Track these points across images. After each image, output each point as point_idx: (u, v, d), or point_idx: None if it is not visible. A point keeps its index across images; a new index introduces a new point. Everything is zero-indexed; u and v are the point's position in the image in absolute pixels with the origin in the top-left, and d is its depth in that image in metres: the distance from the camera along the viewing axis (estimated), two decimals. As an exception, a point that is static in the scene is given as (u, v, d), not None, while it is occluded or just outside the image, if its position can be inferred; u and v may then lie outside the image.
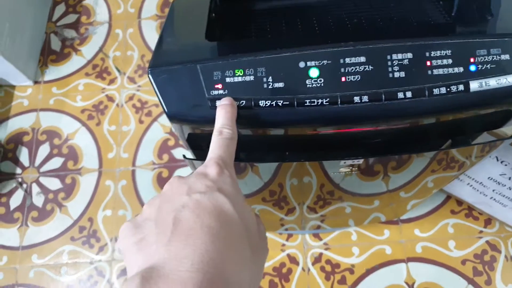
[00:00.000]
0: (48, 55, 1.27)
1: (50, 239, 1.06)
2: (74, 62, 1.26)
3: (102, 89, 1.21)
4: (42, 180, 1.12)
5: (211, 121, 0.39)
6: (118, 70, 1.23)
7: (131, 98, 1.19)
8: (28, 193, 1.11)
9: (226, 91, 0.39)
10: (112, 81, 1.22)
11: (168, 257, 0.25)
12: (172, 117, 0.40)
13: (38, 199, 1.10)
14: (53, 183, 1.11)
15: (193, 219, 0.27)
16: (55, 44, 1.29)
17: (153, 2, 1.33)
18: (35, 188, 1.11)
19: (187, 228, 0.27)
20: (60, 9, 1.34)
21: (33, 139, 1.17)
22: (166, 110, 0.39)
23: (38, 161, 1.14)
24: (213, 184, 0.30)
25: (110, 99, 1.20)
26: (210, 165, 0.32)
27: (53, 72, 1.25)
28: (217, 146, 0.34)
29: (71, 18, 1.33)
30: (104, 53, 1.26)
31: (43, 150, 1.15)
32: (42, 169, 1.13)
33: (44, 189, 1.11)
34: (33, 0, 1.26)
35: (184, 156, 0.45)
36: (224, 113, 0.36)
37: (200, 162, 0.48)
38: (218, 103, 0.38)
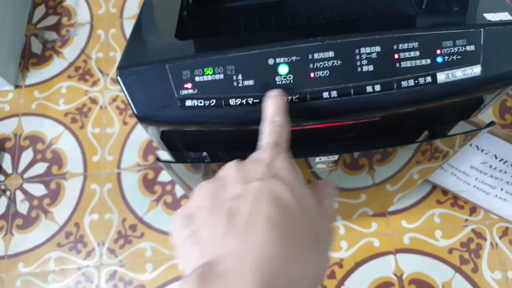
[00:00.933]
0: (29, 58, 1.26)
1: (36, 246, 1.05)
2: (56, 64, 1.25)
3: (85, 91, 1.20)
4: (26, 186, 1.11)
5: (181, 121, 0.39)
6: (101, 72, 1.22)
7: (114, 99, 1.19)
8: (12, 200, 1.10)
9: (196, 90, 0.39)
10: (95, 83, 1.21)
11: (225, 252, 0.24)
12: (141, 119, 0.40)
13: (22, 206, 1.09)
14: (38, 189, 1.10)
15: (250, 209, 0.25)
16: (36, 47, 1.27)
17: (135, 2, 1.32)
18: (19, 195, 1.10)
19: (244, 220, 0.25)
20: (40, 11, 1.33)
21: (15, 145, 1.15)
22: (135, 111, 0.39)
23: (21, 167, 1.13)
24: (269, 171, 0.28)
25: (94, 101, 1.19)
26: (265, 150, 0.30)
27: (35, 75, 1.24)
28: (270, 133, 0.32)
29: (51, 20, 1.31)
30: (86, 55, 1.25)
31: (26, 156, 1.14)
32: (26, 175, 1.12)
33: (28, 196, 1.10)
34: (12, 2, 1.24)
35: (157, 158, 0.44)
36: (274, 103, 0.35)
37: (177, 164, 0.48)
38: (267, 94, 0.37)
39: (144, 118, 0.40)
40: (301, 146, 0.47)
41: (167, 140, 0.45)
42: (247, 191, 0.27)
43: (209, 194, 0.28)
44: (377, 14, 0.50)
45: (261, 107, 0.39)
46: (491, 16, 0.39)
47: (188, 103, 0.39)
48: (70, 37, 1.28)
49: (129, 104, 0.39)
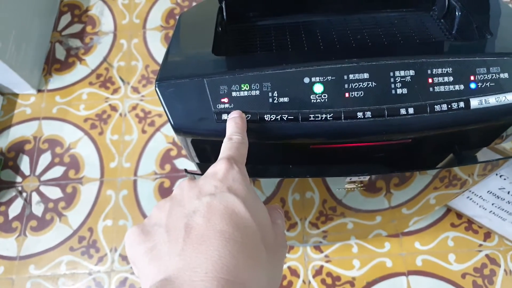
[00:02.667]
0: (53, 64, 1.29)
1: (49, 249, 1.05)
2: (78, 71, 1.27)
3: (106, 98, 1.22)
4: (43, 189, 1.12)
5: (217, 134, 0.40)
6: (122, 80, 1.24)
7: (134, 107, 1.20)
8: (27, 202, 1.11)
9: (232, 105, 0.40)
10: (115, 91, 1.23)
11: (181, 267, 0.25)
12: (178, 130, 0.41)
13: (37, 208, 1.10)
14: (54, 192, 1.12)
15: (205, 224, 0.27)
16: (60, 53, 1.30)
17: (158, 13, 1.35)
18: (35, 197, 1.11)
19: (199, 235, 0.26)
20: (66, 18, 1.36)
21: (34, 147, 1.17)
22: (172, 123, 0.40)
23: (39, 170, 1.14)
24: (222, 184, 0.29)
25: (114, 108, 1.21)
26: (218, 163, 0.32)
27: (57, 81, 1.26)
28: (227, 148, 0.34)
29: (76, 27, 1.34)
30: (108, 63, 1.27)
31: (44, 159, 1.16)
32: (43, 178, 1.13)
33: (44, 198, 1.11)
34: (39, 9, 1.27)
35: (185, 170, 0.45)
36: (234, 124, 0.37)
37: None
38: (228, 116, 0.39)
39: (180, 129, 0.41)
40: (330, 164, 0.47)
41: (199, 151, 0.46)
42: (201, 206, 0.28)
43: (166, 212, 0.29)
44: (407, 37, 0.51)
45: (295, 124, 0.40)
46: (524, 46, 0.40)
47: (224, 117, 0.40)
48: (93, 45, 1.31)
49: (167, 115, 0.41)
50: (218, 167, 0.31)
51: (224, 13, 0.52)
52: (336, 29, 0.54)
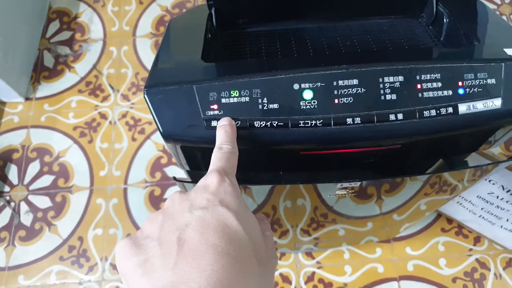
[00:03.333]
0: (41, 72, 1.27)
1: (38, 259, 1.04)
2: (67, 79, 1.26)
3: (95, 106, 1.21)
4: (31, 198, 1.11)
5: (206, 141, 0.40)
6: (112, 88, 1.24)
7: (124, 115, 1.20)
8: (16, 211, 1.09)
9: (222, 112, 0.39)
10: (105, 99, 1.22)
11: (175, 281, 0.25)
12: (167, 137, 0.40)
13: (26, 218, 1.08)
14: (43, 202, 1.10)
15: (198, 238, 0.27)
16: (48, 60, 1.29)
17: (148, 21, 1.34)
18: (24, 207, 1.10)
19: (192, 249, 0.26)
20: (54, 26, 1.35)
21: (22, 156, 1.16)
22: (161, 130, 0.40)
23: (27, 179, 1.13)
24: (214, 197, 0.29)
25: (103, 116, 1.20)
26: (210, 176, 0.32)
27: (45, 88, 1.25)
28: (217, 159, 0.34)
29: (65, 35, 1.34)
30: (98, 70, 1.27)
31: (33, 168, 1.14)
32: (32, 187, 1.12)
33: (33, 208, 1.09)
34: (26, 16, 1.26)
35: (174, 178, 0.45)
36: (223, 132, 0.37)
37: (192, 184, 0.49)
38: (217, 123, 0.39)
39: (169, 137, 0.40)
40: (321, 171, 0.47)
41: (188, 158, 0.46)
42: (193, 219, 0.28)
43: (158, 225, 0.29)
44: (396, 44, 0.51)
45: (285, 130, 0.39)
46: (511, 51, 0.40)
47: (214, 123, 0.39)
48: (82, 52, 1.30)
49: (156, 122, 0.40)
50: (209, 180, 0.31)
51: (214, 20, 0.52)
52: (325, 36, 0.54)
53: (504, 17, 1.29)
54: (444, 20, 0.50)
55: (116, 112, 1.20)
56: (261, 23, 0.55)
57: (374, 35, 0.53)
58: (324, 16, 0.56)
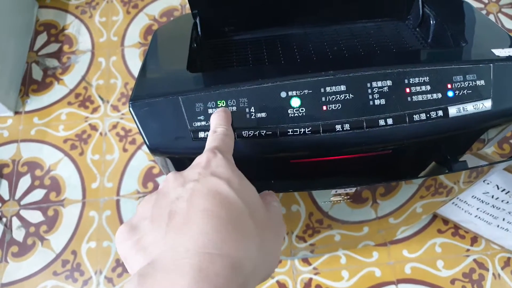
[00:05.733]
0: (29, 85, 1.26)
1: (31, 275, 1.02)
2: (56, 91, 1.25)
3: (85, 118, 1.20)
4: (23, 213, 1.09)
5: (194, 152, 0.39)
6: (102, 99, 1.23)
7: (114, 126, 1.18)
8: (7, 227, 1.08)
9: (209, 123, 0.39)
10: (95, 110, 1.21)
11: (165, 249, 0.25)
12: (154, 150, 0.40)
13: (18, 234, 1.07)
14: (35, 216, 1.08)
15: (188, 207, 0.27)
16: (37, 73, 1.28)
17: (136, 30, 1.34)
18: (15, 222, 1.08)
19: (182, 217, 0.26)
20: (42, 38, 1.34)
21: (13, 171, 1.14)
22: (147, 143, 0.39)
23: (18, 193, 1.11)
24: (205, 171, 0.29)
25: (94, 128, 1.19)
26: (203, 154, 0.32)
27: (35, 102, 1.24)
28: (211, 140, 0.34)
29: (53, 47, 1.32)
30: (87, 82, 1.26)
31: (24, 182, 1.12)
32: (23, 202, 1.10)
33: (25, 223, 1.08)
34: (14, 29, 1.25)
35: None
36: (217, 116, 0.36)
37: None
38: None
39: (156, 149, 0.40)
40: (314, 178, 0.47)
41: (179, 169, 0.45)
42: (185, 192, 0.28)
43: (151, 205, 0.29)
44: (384, 48, 0.51)
45: (273, 139, 0.39)
46: (499, 52, 0.40)
47: (201, 135, 0.39)
48: (71, 64, 1.29)
49: (141, 135, 0.39)
50: (202, 158, 0.31)
51: (199, 29, 0.52)
52: (312, 42, 0.53)
53: (491, 16, 1.29)
54: (431, 22, 0.50)
55: (106, 123, 1.19)
56: (247, 30, 0.55)
57: (361, 39, 0.52)
58: (311, 22, 0.55)
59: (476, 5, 1.32)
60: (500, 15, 1.29)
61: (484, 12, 1.30)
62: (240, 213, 0.27)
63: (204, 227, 0.25)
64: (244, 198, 0.28)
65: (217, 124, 0.36)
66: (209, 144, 0.34)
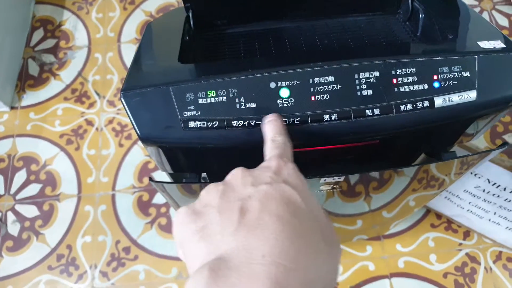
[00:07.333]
0: (26, 80, 1.26)
1: (26, 269, 1.03)
2: (53, 86, 1.25)
3: (81, 113, 1.21)
4: (18, 207, 1.09)
5: (184, 141, 0.39)
6: (98, 94, 1.23)
7: (110, 121, 1.19)
8: (2, 222, 1.08)
9: (199, 112, 0.39)
10: (91, 105, 1.22)
11: (236, 247, 0.23)
12: (145, 139, 0.40)
13: (13, 228, 1.07)
14: (30, 211, 1.09)
15: (261, 208, 0.25)
16: (33, 69, 1.28)
17: (133, 26, 1.34)
18: (11, 216, 1.08)
19: (255, 218, 0.25)
20: (39, 34, 1.34)
21: (9, 166, 1.15)
22: (138, 132, 0.40)
23: (14, 188, 1.12)
24: (277, 177, 0.28)
25: (90, 123, 1.19)
26: (271, 160, 0.31)
27: (31, 97, 1.24)
28: (273, 148, 0.33)
29: (49, 43, 1.33)
30: (83, 77, 1.26)
31: (20, 177, 1.13)
32: (18, 197, 1.11)
33: (20, 217, 1.08)
34: (10, 25, 1.25)
35: (150, 179, 0.44)
36: (273, 126, 0.36)
37: (171, 185, 0.48)
38: (264, 119, 0.38)
39: (147, 139, 0.40)
40: (302, 167, 0.47)
41: (171, 159, 0.45)
42: (257, 192, 0.27)
43: (218, 194, 0.28)
44: (374, 41, 0.51)
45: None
46: (484, 44, 0.40)
47: (191, 124, 0.39)
48: (67, 60, 1.29)
49: (132, 125, 0.40)
50: (272, 163, 0.30)
51: (192, 22, 0.52)
52: (304, 35, 0.54)
53: (485, 12, 1.30)
54: (420, 15, 0.50)
55: (102, 119, 1.19)
56: (240, 24, 0.55)
57: (352, 32, 0.53)
58: (303, 16, 0.56)
59: (470, 2, 1.33)
60: (494, 12, 1.30)
61: (478, 9, 1.31)
62: (312, 228, 0.26)
63: (279, 234, 0.24)
64: (314, 212, 0.27)
65: (275, 133, 0.35)
66: (272, 152, 0.33)
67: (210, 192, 0.28)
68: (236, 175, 0.29)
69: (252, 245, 0.23)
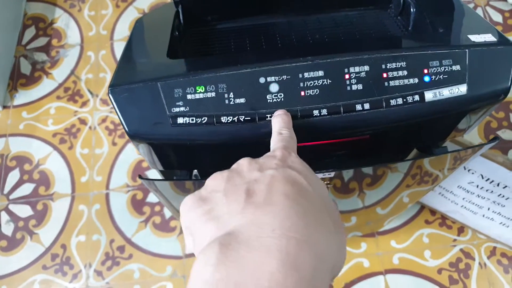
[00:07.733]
0: (18, 79, 1.25)
1: (20, 269, 1.02)
2: (45, 85, 1.24)
3: (74, 112, 1.20)
4: (12, 207, 1.09)
5: (173, 138, 0.39)
6: (91, 93, 1.22)
7: (104, 120, 1.18)
8: (-4, 221, 1.07)
9: (188, 108, 0.39)
10: (84, 104, 1.21)
11: (245, 223, 0.23)
12: (133, 136, 0.40)
13: (7, 228, 1.06)
14: (24, 210, 1.08)
15: (268, 190, 0.25)
16: (25, 67, 1.27)
17: (125, 24, 1.33)
18: (4, 216, 1.08)
19: (262, 196, 0.25)
20: (30, 32, 1.33)
21: (1, 165, 1.14)
22: (126, 129, 0.39)
23: (7, 188, 1.11)
24: (282, 163, 0.29)
25: (83, 122, 1.18)
26: (277, 150, 0.31)
27: (23, 96, 1.23)
28: (278, 140, 0.34)
29: (41, 41, 1.32)
30: (76, 76, 1.25)
31: (13, 177, 1.12)
32: (12, 196, 1.10)
33: (13, 217, 1.07)
34: (1, 23, 1.24)
35: (139, 176, 0.44)
36: (280, 119, 0.36)
37: (161, 182, 0.48)
38: (273, 114, 0.38)
39: (135, 136, 0.40)
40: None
41: (161, 156, 0.45)
42: (263, 176, 0.27)
43: (224, 180, 0.28)
44: (365, 36, 0.51)
45: (252, 125, 0.39)
46: (475, 38, 0.40)
47: (180, 120, 0.39)
48: (60, 58, 1.28)
49: (121, 121, 0.39)
50: (277, 152, 0.31)
51: (181, 17, 0.52)
52: (295, 30, 0.54)
53: (479, 9, 1.30)
54: (411, 10, 0.50)
55: (95, 117, 1.19)
56: (230, 19, 0.55)
57: (343, 27, 0.53)
58: (294, 10, 0.56)
59: (464, -2, 1.32)
60: (488, 8, 1.30)
61: (472, 5, 1.31)
62: (320, 208, 0.26)
63: (288, 210, 0.24)
64: (321, 195, 0.28)
65: (281, 127, 0.35)
66: (277, 143, 0.33)
67: (216, 179, 0.29)
68: (242, 163, 0.30)
69: (261, 220, 0.23)
